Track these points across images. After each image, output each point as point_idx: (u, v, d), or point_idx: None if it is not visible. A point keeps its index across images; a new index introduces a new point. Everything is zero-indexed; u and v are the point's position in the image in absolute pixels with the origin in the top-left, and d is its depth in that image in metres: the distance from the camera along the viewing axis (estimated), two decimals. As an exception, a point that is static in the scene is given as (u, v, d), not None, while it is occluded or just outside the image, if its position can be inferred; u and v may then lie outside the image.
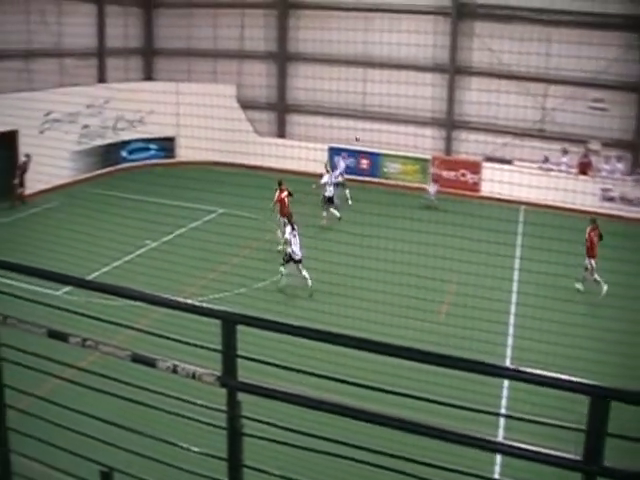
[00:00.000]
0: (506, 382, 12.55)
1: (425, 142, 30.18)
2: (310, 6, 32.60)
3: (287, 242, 18.97)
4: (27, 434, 5.02)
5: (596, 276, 19.20)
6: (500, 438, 3.47)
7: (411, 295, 15.01)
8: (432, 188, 27.77)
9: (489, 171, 28.28)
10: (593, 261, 19.33)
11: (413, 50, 30.13)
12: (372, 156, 31.33)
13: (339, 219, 24.06)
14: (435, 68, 31.28)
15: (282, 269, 18.82)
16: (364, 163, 31.63)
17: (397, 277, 15.30)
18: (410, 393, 3.79)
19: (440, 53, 30.84)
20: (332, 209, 24.90)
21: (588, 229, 19.63)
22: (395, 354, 3.46)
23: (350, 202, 26.20)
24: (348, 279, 15.06)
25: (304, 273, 18.49)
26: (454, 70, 30.78)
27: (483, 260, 15.06)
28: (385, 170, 31.30)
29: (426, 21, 30.73)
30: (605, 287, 18.83)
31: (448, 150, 31.60)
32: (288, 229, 19.17)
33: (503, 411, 12.43)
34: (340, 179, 26.93)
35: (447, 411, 3.79)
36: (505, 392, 13.26)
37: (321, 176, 25.60)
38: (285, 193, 22.40)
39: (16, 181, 26.55)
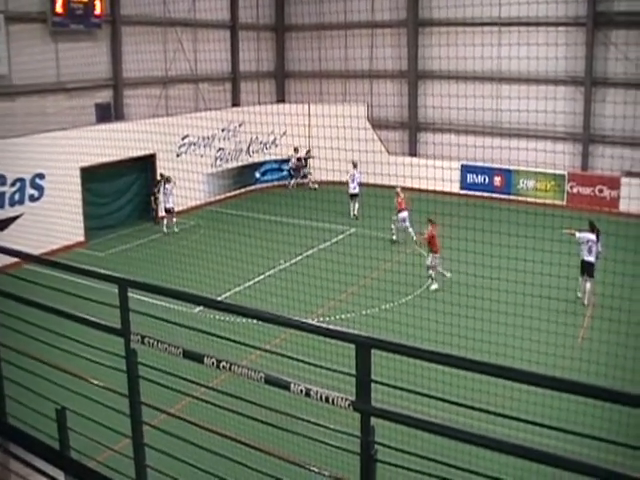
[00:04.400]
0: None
1: (560, 158, 29.06)
2: (440, 23, 32.31)
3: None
4: (161, 450, 5.10)
5: (440, 269, 19.65)
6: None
7: (551, 319, 14.35)
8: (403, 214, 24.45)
9: (628, 187, 26.89)
10: (437, 255, 19.69)
11: (547, 63, 29.18)
12: (505, 173, 30.59)
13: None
14: (570, 81, 30.15)
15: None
16: (497, 180, 30.93)
17: (535, 300, 14.66)
18: (547, 423, 3.59)
19: (575, 65, 29.70)
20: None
21: (430, 228, 19.69)
22: (536, 383, 3.24)
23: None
24: (477, 300, 14.62)
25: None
26: (590, 82, 29.55)
27: (622, 282, 14.27)
28: (519, 187, 30.47)
29: (560, 32, 29.69)
30: (435, 285, 19.44)
31: (584, 166, 30.34)
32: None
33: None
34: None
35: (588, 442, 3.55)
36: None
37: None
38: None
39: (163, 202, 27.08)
